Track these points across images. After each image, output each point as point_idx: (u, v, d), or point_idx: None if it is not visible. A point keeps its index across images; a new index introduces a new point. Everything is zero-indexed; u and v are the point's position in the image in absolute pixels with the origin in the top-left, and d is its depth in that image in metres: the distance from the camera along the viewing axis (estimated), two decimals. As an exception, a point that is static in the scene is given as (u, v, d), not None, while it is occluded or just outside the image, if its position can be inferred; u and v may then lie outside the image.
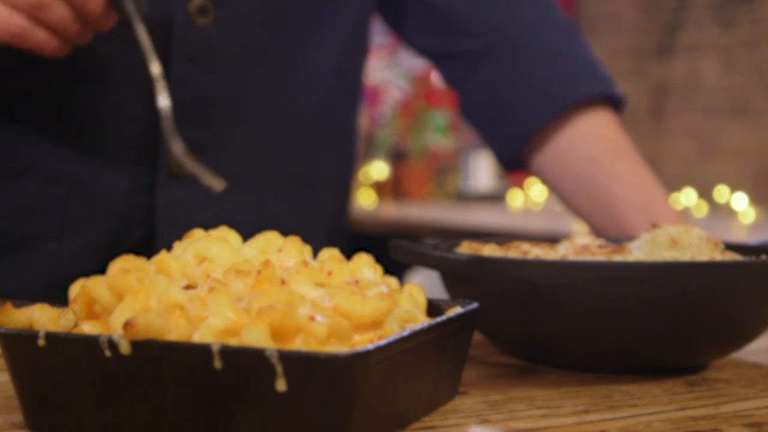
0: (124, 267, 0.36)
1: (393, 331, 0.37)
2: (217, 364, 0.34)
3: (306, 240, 0.54)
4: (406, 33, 0.77)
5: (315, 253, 0.43)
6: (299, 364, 0.33)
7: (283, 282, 0.38)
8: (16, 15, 0.54)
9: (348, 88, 0.74)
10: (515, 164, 0.75)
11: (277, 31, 0.67)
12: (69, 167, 0.63)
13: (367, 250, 0.44)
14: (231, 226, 0.46)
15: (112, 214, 0.63)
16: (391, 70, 2.33)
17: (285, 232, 0.59)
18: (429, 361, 0.39)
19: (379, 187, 2.36)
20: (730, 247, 0.53)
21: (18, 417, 0.38)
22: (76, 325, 0.37)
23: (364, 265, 0.41)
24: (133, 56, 0.59)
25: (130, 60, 0.61)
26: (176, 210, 0.64)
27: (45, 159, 0.62)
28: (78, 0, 0.54)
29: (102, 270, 0.37)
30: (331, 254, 0.41)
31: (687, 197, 2.01)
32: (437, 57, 0.77)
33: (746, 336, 0.48)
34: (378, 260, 0.43)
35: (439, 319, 0.39)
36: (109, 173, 0.63)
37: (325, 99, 0.71)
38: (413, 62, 2.32)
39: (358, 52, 0.74)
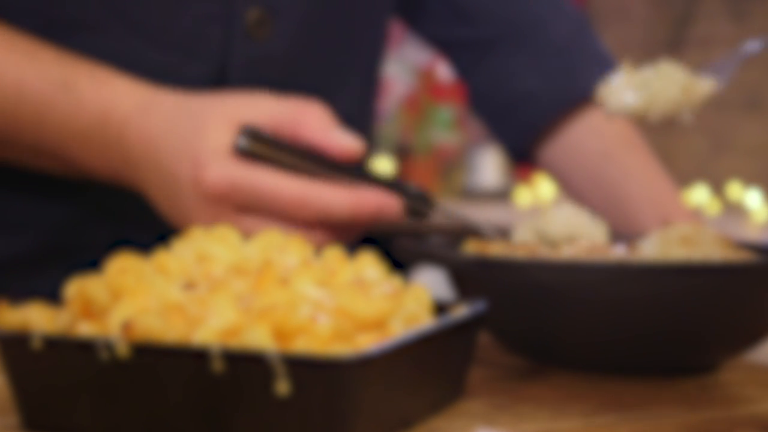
0: (122, 266, 0.36)
1: (397, 332, 0.37)
2: (217, 365, 0.33)
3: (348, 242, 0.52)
4: (416, 21, 0.76)
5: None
6: (301, 365, 0.33)
7: (284, 281, 0.37)
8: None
9: (373, 91, 0.74)
10: (524, 156, 0.74)
11: (322, 41, 0.67)
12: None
13: (371, 249, 0.43)
14: None
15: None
16: (395, 65, 2.31)
17: None
18: (434, 361, 0.39)
19: (384, 185, 2.34)
20: (744, 246, 0.52)
21: (12, 419, 0.37)
22: (72, 325, 0.37)
23: (368, 264, 0.40)
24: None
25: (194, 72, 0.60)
26: None
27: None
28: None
29: None
30: (334, 253, 0.41)
31: (699, 194, 1.99)
32: (447, 46, 0.76)
33: (759, 336, 0.47)
34: (383, 258, 0.42)
35: (444, 319, 0.39)
36: None
37: (360, 107, 0.71)
38: (418, 56, 2.30)
39: (381, 55, 0.74)
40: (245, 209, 0.50)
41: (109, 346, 0.34)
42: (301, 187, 0.49)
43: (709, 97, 0.50)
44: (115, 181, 0.56)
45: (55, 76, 0.55)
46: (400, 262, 0.54)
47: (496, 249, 0.51)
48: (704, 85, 0.50)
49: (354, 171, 0.51)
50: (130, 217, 0.62)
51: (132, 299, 0.35)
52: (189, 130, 0.52)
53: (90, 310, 0.36)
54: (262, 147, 0.50)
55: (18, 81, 0.55)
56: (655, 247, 0.49)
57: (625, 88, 0.49)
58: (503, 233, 0.53)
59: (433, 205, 0.52)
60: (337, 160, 0.51)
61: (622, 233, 0.57)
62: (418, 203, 0.52)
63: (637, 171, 0.70)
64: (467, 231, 0.52)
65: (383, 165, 2.34)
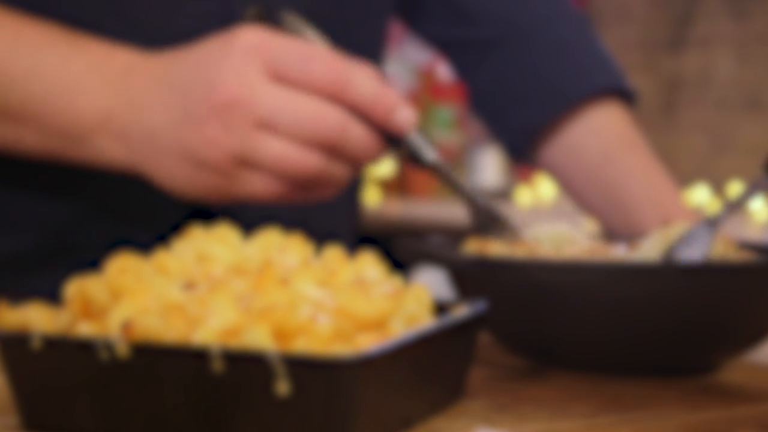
0: (122, 266, 0.36)
1: (398, 332, 0.37)
2: (217, 365, 0.33)
3: (343, 240, 0.51)
4: (415, 21, 0.76)
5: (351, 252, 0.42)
6: (301, 365, 0.33)
7: (284, 281, 0.37)
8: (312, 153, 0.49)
9: None
10: (524, 157, 0.74)
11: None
12: (124, 179, 0.62)
13: (371, 249, 0.43)
14: (277, 221, 0.48)
15: (167, 220, 0.62)
16: (395, 65, 2.31)
17: (322, 231, 0.58)
18: (434, 361, 0.39)
19: (384, 184, 2.34)
20: (744, 246, 0.52)
21: (12, 419, 0.37)
22: (72, 325, 0.37)
23: (369, 263, 0.40)
24: None
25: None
26: (236, 216, 0.63)
27: (102, 172, 0.61)
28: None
29: None
30: (334, 253, 0.40)
31: (699, 194, 1.99)
32: (447, 46, 0.76)
33: (759, 336, 0.47)
34: (383, 258, 0.42)
35: (444, 319, 0.39)
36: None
37: None
38: (418, 56, 2.30)
39: (381, 54, 0.74)
40: (273, 72, 0.50)
41: (109, 346, 0.34)
42: (332, 54, 0.51)
43: None
44: (100, 126, 0.54)
45: (56, 28, 0.56)
46: (400, 262, 0.54)
47: (496, 249, 0.51)
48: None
49: None
50: (130, 215, 0.62)
51: (132, 299, 0.35)
52: (216, 37, 0.52)
53: (90, 310, 0.36)
54: (298, 23, 0.52)
55: (16, 30, 0.55)
56: (656, 247, 0.49)
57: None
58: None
59: (437, 156, 0.52)
60: None
61: (622, 233, 0.57)
62: (419, 147, 0.52)
63: (638, 171, 0.70)
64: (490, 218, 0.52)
65: (382, 165, 2.34)
